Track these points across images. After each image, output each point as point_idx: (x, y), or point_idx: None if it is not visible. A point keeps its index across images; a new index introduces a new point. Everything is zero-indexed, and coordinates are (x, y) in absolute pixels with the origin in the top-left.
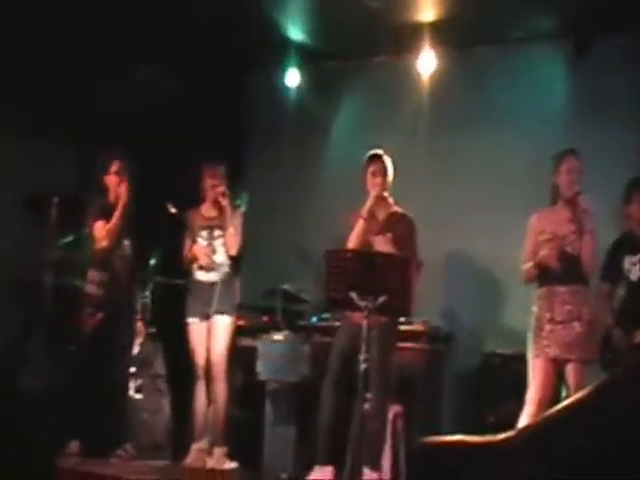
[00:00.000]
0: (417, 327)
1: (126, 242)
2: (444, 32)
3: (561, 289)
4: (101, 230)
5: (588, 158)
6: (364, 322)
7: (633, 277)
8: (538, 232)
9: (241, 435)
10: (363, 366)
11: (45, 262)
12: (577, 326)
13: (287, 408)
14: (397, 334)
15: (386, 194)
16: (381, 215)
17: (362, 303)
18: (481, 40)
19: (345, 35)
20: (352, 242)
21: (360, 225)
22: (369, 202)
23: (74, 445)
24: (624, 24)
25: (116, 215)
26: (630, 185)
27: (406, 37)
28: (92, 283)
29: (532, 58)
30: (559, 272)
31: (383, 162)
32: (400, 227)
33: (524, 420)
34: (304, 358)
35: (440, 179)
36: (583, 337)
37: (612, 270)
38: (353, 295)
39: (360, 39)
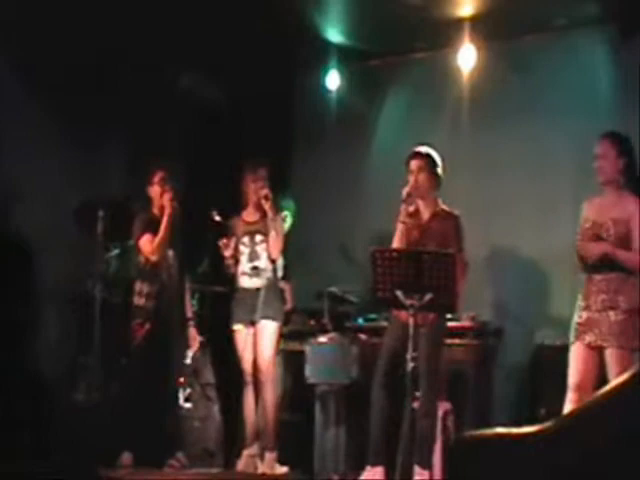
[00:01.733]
0: (465, 323)
1: (170, 252)
2: (484, 25)
3: (597, 277)
4: (149, 244)
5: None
6: (411, 320)
7: None
8: (584, 220)
9: (292, 439)
10: (411, 365)
11: (93, 276)
12: (612, 315)
13: (337, 410)
14: (445, 331)
15: (431, 192)
16: (426, 214)
17: (408, 302)
18: (522, 31)
19: (384, 33)
20: (397, 239)
21: (399, 229)
22: (404, 205)
23: (127, 457)
24: None
25: (162, 228)
26: None
27: (446, 32)
28: (140, 295)
29: (576, 46)
30: (595, 260)
31: (423, 159)
32: (444, 225)
33: (567, 407)
34: (352, 360)
35: (485, 173)
36: (620, 325)
37: None
38: (399, 294)
39: (399, 36)
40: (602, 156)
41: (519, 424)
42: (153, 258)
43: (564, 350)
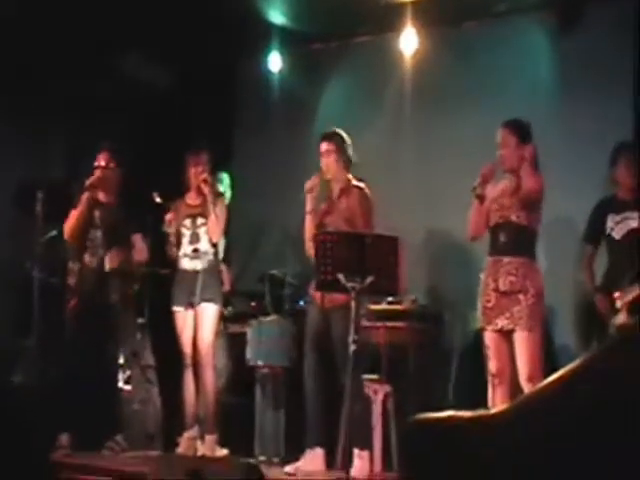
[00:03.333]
0: (406, 306)
1: (98, 233)
2: (426, 10)
3: (505, 259)
4: (67, 227)
5: (579, 127)
6: (352, 304)
7: (616, 236)
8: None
9: (232, 422)
10: (352, 347)
11: (32, 257)
12: (522, 298)
13: (277, 393)
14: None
15: (342, 173)
16: (336, 192)
17: (350, 284)
18: (465, 16)
19: (327, 17)
20: (307, 228)
21: (310, 210)
22: (311, 181)
23: (64, 438)
24: None
25: (72, 213)
26: (616, 149)
27: (388, 16)
28: (71, 275)
29: (517, 31)
30: (505, 242)
31: (331, 141)
32: (351, 200)
33: (490, 392)
34: (292, 342)
35: (426, 157)
36: (530, 309)
37: (595, 231)
38: (341, 277)
39: (342, 20)
40: (503, 145)
41: (461, 408)
42: (70, 240)
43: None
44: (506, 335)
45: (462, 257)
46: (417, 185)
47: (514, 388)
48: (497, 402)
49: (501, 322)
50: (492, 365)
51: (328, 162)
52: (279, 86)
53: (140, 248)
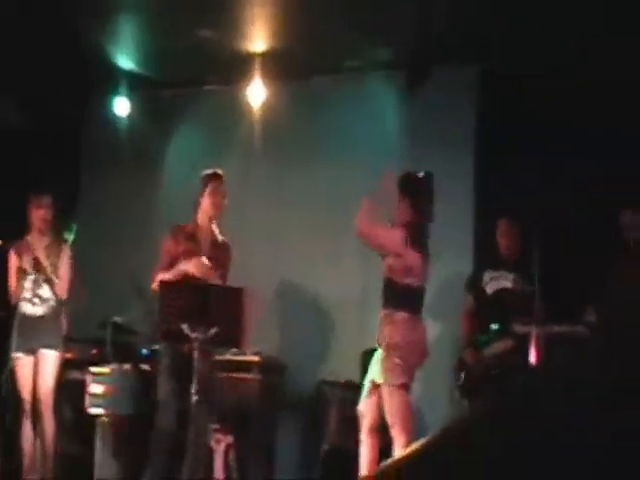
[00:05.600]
0: (250, 358)
1: None
2: (278, 62)
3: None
4: None
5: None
6: (195, 354)
7: (489, 290)
8: None
9: (72, 471)
10: (195, 398)
11: None
12: (379, 352)
13: (118, 442)
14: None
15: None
16: (207, 240)
17: (193, 335)
18: (317, 71)
19: (177, 63)
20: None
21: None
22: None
23: None
24: (453, 57)
25: None
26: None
27: (239, 66)
28: None
29: (368, 88)
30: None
31: (223, 182)
32: (222, 254)
33: (364, 447)
34: (133, 390)
35: (275, 207)
36: (383, 363)
37: (474, 282)
38: (184, 327)
39: (192, 68)
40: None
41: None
42: None
43: (348, 386)
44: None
45: (312, 308)
46: (268, 237)
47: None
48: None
49: (370, 375)
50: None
51: (217, 202)
52: (127, 131)
53: None
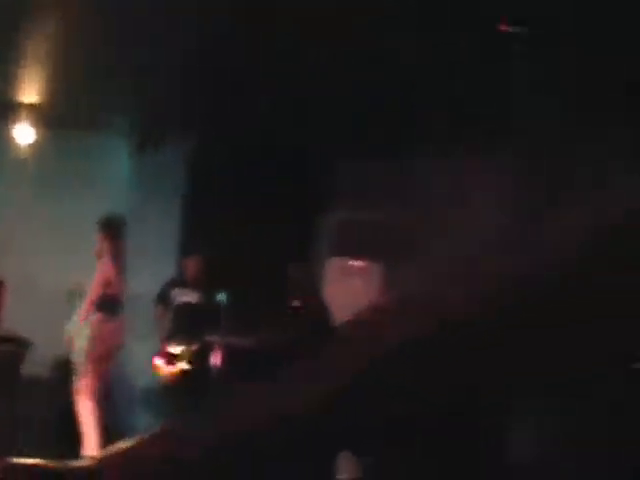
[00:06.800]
0: None
1: None
2: (44, 112)
3: None
4: None
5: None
6: None
7: (174, 304)
8: None
9: None
10: None
11: None
12: None
13: None
14: None
15: None
16: None
17: None
18: (72, 124)
19: None
20: None
21: None
22: None
23: None
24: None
25: None
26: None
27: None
28: None
29: (104, 147)
30: None
31: None
32: None
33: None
34: None
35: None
36: None
37: (163, 295)
38: None
39: None
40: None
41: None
42: None
43: None
44: None
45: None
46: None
47: None
48: None
49: None
50: None
51: None
52: None
53: None
